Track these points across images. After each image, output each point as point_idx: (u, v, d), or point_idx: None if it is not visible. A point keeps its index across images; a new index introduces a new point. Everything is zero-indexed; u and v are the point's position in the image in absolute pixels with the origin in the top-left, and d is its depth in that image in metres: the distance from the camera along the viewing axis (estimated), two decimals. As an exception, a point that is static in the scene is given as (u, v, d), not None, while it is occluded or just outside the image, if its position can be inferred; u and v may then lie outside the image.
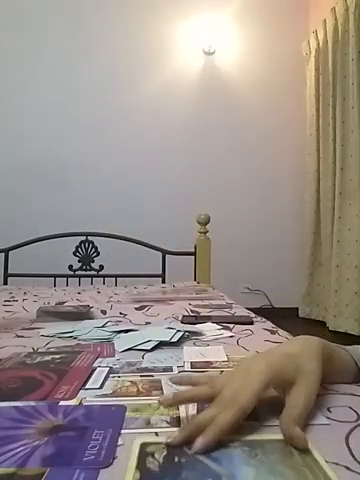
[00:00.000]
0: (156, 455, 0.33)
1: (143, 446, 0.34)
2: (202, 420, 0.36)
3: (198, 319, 0.96)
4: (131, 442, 0.35)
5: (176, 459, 0.32)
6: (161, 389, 0.49)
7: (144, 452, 0.33)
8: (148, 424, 0.39)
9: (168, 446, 0.34)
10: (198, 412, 0.42)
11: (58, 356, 0.64)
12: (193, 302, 1.29)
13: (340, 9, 2.59)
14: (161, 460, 0.32)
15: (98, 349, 0.69)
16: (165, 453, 0.33)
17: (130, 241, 2.22)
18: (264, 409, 0.42)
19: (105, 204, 2.89)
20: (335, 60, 2.66)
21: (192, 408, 0.43)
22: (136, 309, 1.18)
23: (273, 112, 3.11)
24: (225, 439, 0.35)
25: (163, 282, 2.15)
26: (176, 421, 0.40)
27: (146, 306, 1.21)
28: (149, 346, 0.69)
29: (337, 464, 0.32)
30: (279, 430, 0.38)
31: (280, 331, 0.84)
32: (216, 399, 0.39)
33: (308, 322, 2.82)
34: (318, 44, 2.89)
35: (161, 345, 0.70)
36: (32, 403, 0.45)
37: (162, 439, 0.36)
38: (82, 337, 0.79)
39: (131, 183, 2.95)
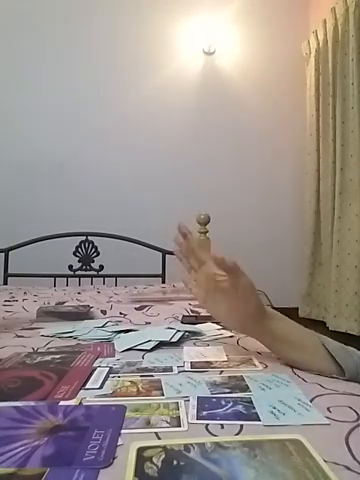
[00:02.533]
0: (154, 459, 0.32)
1: (140, 451, 0.34)
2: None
3: (198, 319, 0.96)
4: (130, 443, 0.35)
5: (175, 462, 0.32)
6: (161, 389, 0.49)
7: (141, 457, 0.33)
8: (148, 424, 0.39)
9: (166, 449, 0.34)
10: (198, 411, 0.42)
11: (58, 356, 0.64)
12: (193, 302, 1.29)
13: (340, 9, 2.59)
14: (159, 464, 0.32)
15: (98, 349, 0.69)
16: (163, 456, 0.33)
17: (130, 241, 2.22)
18: (263, 407, 0.42)
19: (105, 204, 2.89)
20: (335, 60, 2.66)
21: (192, 408, 0.43)
22: (136, 309, 1.18)
23: (273, 112, 3.11)
24: (224, 440, 0.35)
25: (163, 282, 2.16)
26: (176, 421, 0.40)
27: (146, 306, 1.21)
28: (149, 346, 0.69)
29: (337, 464, 0.32)
30: (278, 430, 0.38)
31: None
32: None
33: (308, 322, 2.81)
34: (318, 44, 2.89)
35: (161, 345, 0.71)
36: (32, 403, 0.45)
37: (159, 442, 0.35)
38: (82, 337, 0.79)
39: (131, 183, 2.94)
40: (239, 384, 0.50)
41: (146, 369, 0.57)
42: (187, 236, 0.66)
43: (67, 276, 2.15)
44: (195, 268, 0.67)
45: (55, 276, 2.11)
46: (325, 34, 2.79)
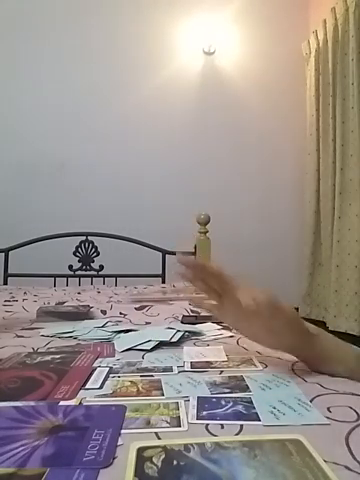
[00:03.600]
0: (154, 459, 0.32)
1: (140, 451, 0.34)
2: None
3: (198, 319, 0.96)
4: (130, 443, 0.35)
5: (175, 463, 0.32)
6: (161, 389, 0.49)
7: (141, 457, 0.33)
8: (148, 424, 0.39)
9: (166, 449, 0.34)
10: (198, 411, 0.42)
11: (58, 356, 0.64)
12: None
13: (340, 9, 2.59)
14: (159, 464, 0.32)
15: (98, 349, 0.69)
16: (163, 456, 0.33)
17: (130, 241, 2.22)
18: (263, 407, 0.42)
19: (105, 204, 2.89)
20: (335, 60, 2.66)
21: (192, 408, 0.43)
22: (136, 309, 1.18)
23: (273, 112, 3.11)
24: (224, 440, 0.35)
25: (163, 282, 2.15)
26: (176, 421, 0.40)
27: (146, 306, 1.21)
28: (149, 346, 0.69)
29: (337, 464, 0.32)
30: (278, 430, 0.38)
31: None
32: None
33: (308, 322, 2.81)
34: (318, 44, 2.89)
35: (161, 345, 0.71)
36: (32, 403, 0.45)
37: (159, 442, 0.35)
38: (82, 337, 0.79)
39: (131, 183, 2.94)
40: (239, 384, 0.50)
41: (146, 369, 0.57)
42: (205, 265, 0.63)
43: (67, 276, 2.15)
44: (218, 291, 0.62)
45: (55, 276, 2.11)
46: (325, 34, 2.79)
